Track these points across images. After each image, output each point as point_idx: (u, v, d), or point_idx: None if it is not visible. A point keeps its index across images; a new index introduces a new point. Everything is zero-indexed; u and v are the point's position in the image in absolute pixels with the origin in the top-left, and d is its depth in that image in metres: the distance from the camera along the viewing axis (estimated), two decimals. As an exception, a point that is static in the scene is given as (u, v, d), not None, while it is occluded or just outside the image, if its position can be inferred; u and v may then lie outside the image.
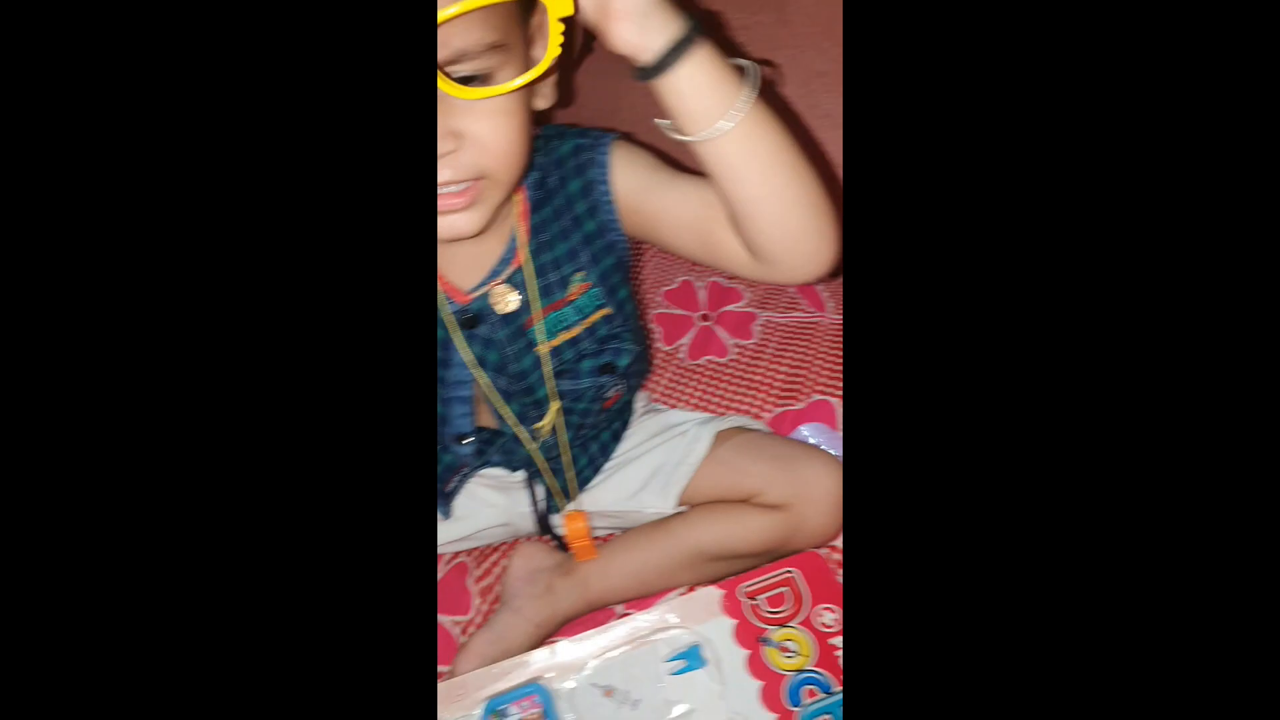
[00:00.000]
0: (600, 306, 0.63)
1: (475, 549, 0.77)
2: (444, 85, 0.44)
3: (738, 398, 0.87)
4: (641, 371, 0.72)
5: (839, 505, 0.66)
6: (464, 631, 0.71)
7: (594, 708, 0.61)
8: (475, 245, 0.57)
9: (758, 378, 0.89)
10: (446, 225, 0.50)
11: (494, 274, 0.60)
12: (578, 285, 0.61)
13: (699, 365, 0.92)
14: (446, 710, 0.60)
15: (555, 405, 0.64)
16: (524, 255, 0.60)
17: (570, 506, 0.70)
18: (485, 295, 0.60)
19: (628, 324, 0.65)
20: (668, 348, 0.95)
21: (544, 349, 0.61)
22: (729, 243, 0.54)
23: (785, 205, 0.50)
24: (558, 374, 0.63)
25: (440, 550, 0.75)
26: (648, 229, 0.60)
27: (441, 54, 0.44)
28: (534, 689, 0.60)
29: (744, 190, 0.50)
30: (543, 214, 0.60)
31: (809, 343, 0.92)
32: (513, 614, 0.67)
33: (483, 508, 0.72)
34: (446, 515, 0.71)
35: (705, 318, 0.97)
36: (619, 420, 0.74)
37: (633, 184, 0.58)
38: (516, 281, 0.60)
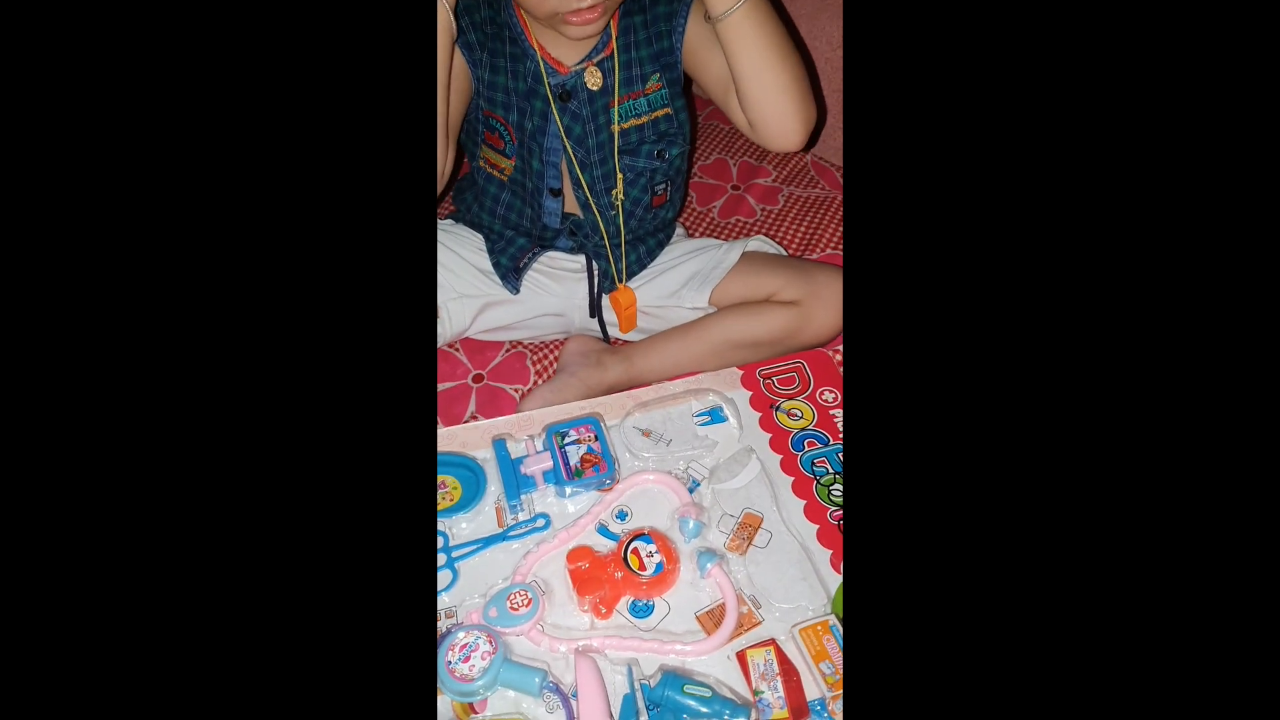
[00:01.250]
0: (664, 106, 0.80)
1: (531, 342, 0.90)
2: None
3: (762, 245, 1.01)
4: (683, 181, 0.88)
5: (841, 305, 0.81)
6: (522, 396, 0.85)
7: (634, 440, 0.75)
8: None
9: (780, 233, 1.03)
10: (581, 31, 0.69)
11: (589, 57, 0.76)
12: (653, 84, 0.79)
13: (729, 222, 1.05)
14: (519, 432, 0.74)
15: (620, 178, 0.80)
16: (614, 46, 0.76)
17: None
18: (581, 72, 0.75)
19: (681, 129, 0.82)
20: (701, 208, 1.08)
21: (616, 129, 0.77)
22: (736, 108, 0.76)
23: (774, 83, 0.71)
24: (623, 151, 0.79)
25: (501, 337, 0.89)
26: (694, 68, 0.79)
27: None
28: (589, 420, 0.74)
29: (745, 64, 0.71)
30: (632, 20, 0.77)
31: (826, 212, 1.05)
32: (568, 376, 0.81)
33: (542, 294, 0.86)
34: (515, 292, 0.85)
35: (736, 188, 1.11)
36: (663, 232, 0.88)
37: (697, 31, 0.76)
38: (605, 67, 0.76)
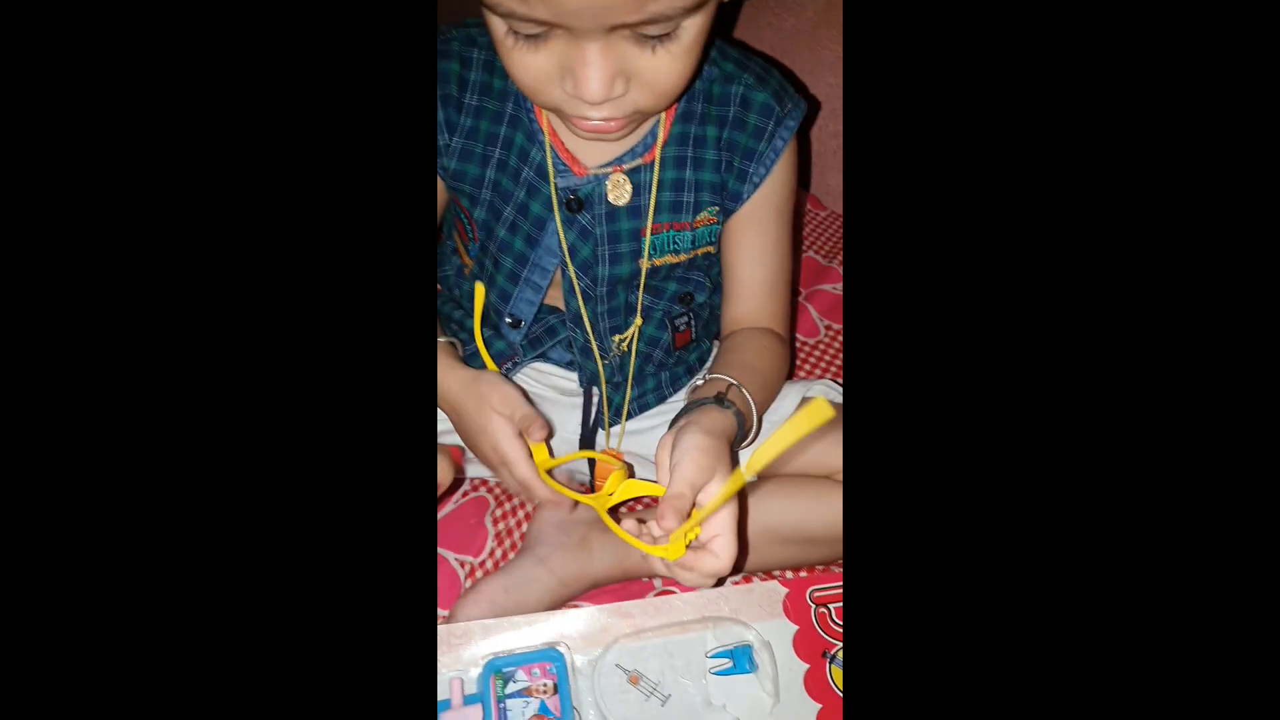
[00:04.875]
0: (710, 243, 0.58)
1: (499, 483, 0.66)
2: None
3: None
4: (713, 320, 0.65)
5: None
6: (471, 575, 0.61)
7: (614, 693, 0.50)
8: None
9: (849, 366, 0.78)
10: (592, 136, 0.47)
11: (620, 160, 0.53)
12: (706, 216, 0.56)
13: (784, 341, 0.81)
14: (441, 656, 0.50)
15: (638, 322, 0.57)
16: (657, 154, 0.53)
17: (615, 430, 0.61)
18: (603, 179, 0.52)
19: (714, 268, 0.60)
20: (749, 316, 0.84)
21: (646, 264, 0.54)
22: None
23: None
24: (642, 290, 0.56)
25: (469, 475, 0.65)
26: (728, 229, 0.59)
27: (635, 16, 0.40)
28: (550, 655, 0.49)
29: None
30: (703, 129, 0.54)
31: (911, 341, 0.81)
32: (536, 563, 0.57)
33: None
34: None
35: (796, 293, 0.87)
36: (692, 358, 0.64)
37: (771, 190, 0.56)
38: (640, 180, 0.53)
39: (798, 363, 0.79)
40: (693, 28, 0.42)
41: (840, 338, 0.81)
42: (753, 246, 0.58)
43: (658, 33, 0.42)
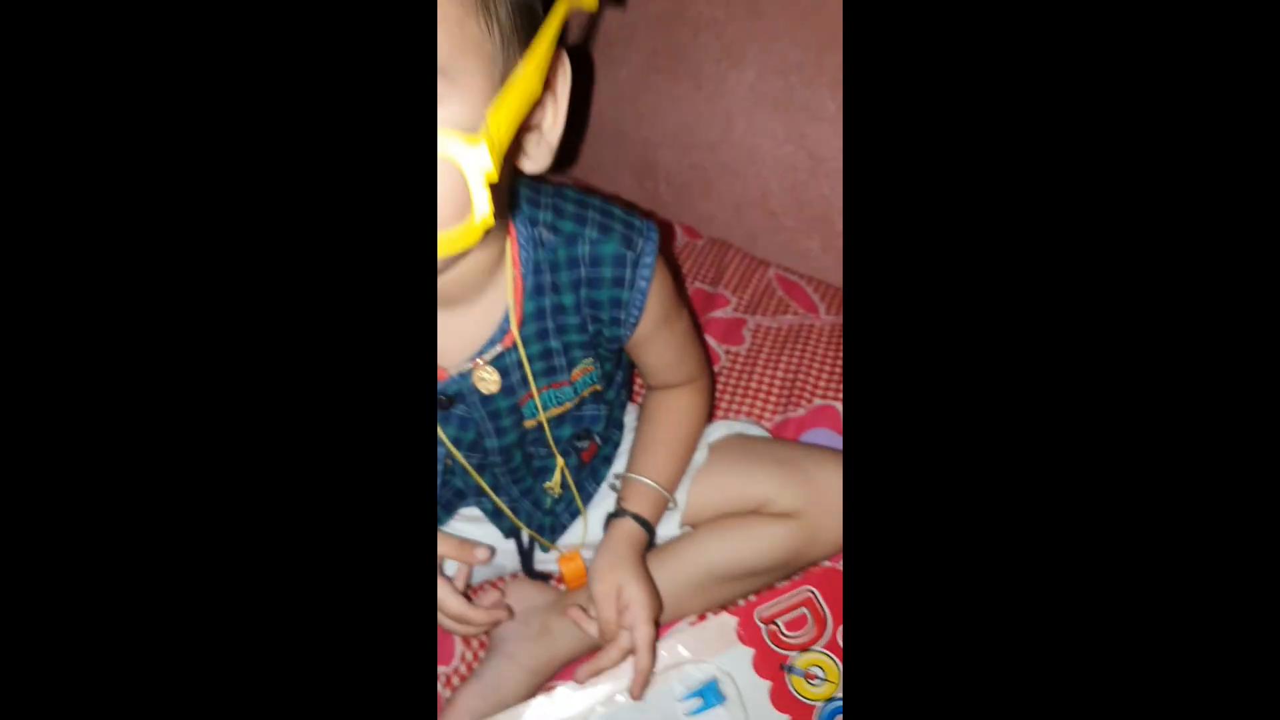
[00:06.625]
0: (594, 383, 0.59)
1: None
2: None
3: (735, 407, 0.81)
4: (615, 413, 0.68)
5: None
6: (448, 684, 0.64)
7: (602, 761, 0.53)
8: (461, 319, 0.50)
9: (754, 384, 0.83)
10: None
11: (480, 353, 0.52)
12: (583, 367, 0.57)
13: (689, 376, 0.86)
14: (433, 777, 0.53)
15: (560, 463, 0.61)
16: (516, 336, 0.52)
17: (562, 542, 0.64)
18: (468, 375, 0.53)
19: (607, 393, 0.63)
20: (654, 360, 0.89)
21: (531, 424, 0.57)
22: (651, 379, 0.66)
23: None
24: (536, 441, 0.60)
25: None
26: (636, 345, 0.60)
27: None
28: (533, 745, 0.53)
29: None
30: (556, 300, 0.53)
31: (805, 345, 0.86)
32: (505, 659, 0.60)
33: (463, 527, 0.65)
34: None
35: (702, 338, 0.92)
36: (606, 452, 0.67)
37: (652, 318, 0.56)
38: (505, 363, 0.53)
39: (707, 394, 0.83)
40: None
41: (740, 360, 0.86)
42: (650, 353, 0.60)
43: None
